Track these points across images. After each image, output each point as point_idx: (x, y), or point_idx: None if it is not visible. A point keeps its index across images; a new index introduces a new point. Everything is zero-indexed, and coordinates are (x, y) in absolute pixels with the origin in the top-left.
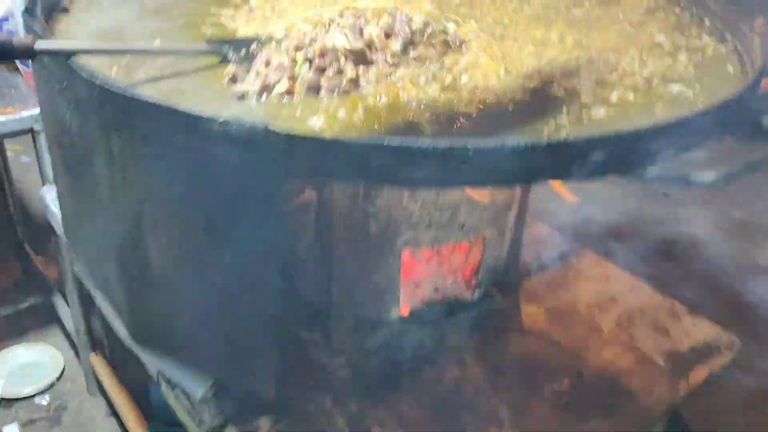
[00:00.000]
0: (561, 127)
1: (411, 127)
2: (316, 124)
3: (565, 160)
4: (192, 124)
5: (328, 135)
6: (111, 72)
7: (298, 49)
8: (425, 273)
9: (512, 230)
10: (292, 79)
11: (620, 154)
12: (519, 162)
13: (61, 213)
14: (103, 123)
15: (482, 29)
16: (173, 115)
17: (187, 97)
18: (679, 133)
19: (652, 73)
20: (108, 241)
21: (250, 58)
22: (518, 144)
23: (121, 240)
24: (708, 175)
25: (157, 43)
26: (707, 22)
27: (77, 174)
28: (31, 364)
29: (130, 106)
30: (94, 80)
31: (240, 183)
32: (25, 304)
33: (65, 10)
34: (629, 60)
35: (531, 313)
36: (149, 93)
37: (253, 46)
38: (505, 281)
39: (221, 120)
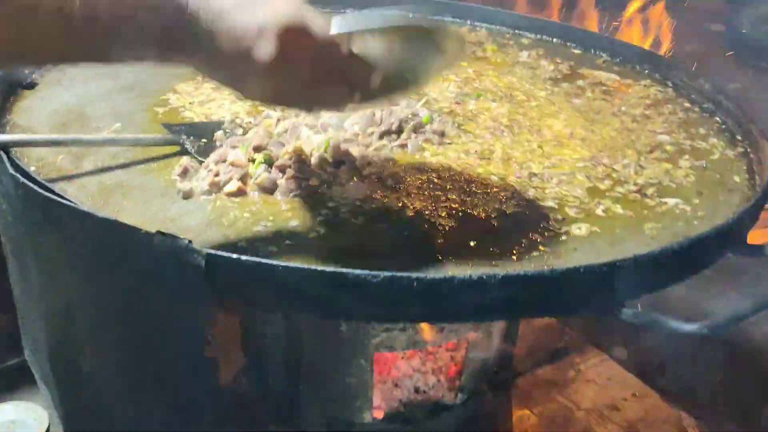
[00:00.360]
0: (534, 246)
1: (366, 244)
2: (262, 231)
3: (519, 295)
4: (112, 232)
5: (253, 258)
6: (57, 160)
7: (257, 150)
8: (404, 372)
9: (503, 327)
10: (244, 179)
11: (586, 292)
12: (467, 296)
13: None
14: (29, 219)
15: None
16: (92, 221)
17: (130, 192)
18: (660, 267)
19: (647, 180)
20: (42, 337)
21: (208, 148)
22: (464, 277)
23: (52, 340)
24: (690, 326)
25: (117, 126)
26: (718, 119)
27: (16, 262)
28: (16, 422)
29: (51, 207)
30: (17, 177)
31: (166, 295)
32: (15, 360)
33: (32, 86)
34: (625, 163)
35: (522, 418)
36: (91, 186)
37: (217, 134)
38: (496, 379)
39: (143, 231)
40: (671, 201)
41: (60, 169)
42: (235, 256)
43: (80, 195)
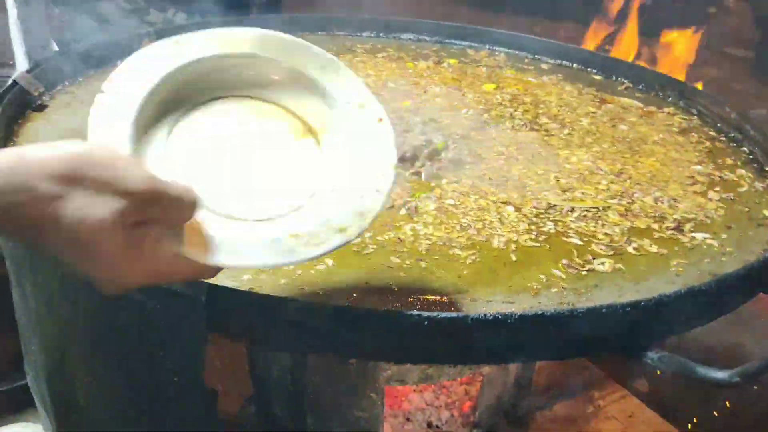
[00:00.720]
0: (553, 282)
1: (376, 277)
2: None
3: (535, 336)
4: None
5: (256, 292)
6: None
7: None
8: (416, 406)
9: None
10: None
11: (606, 333)
12: (480, 336)
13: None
14: (26, 247)
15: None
16: None
17: None
18: (686, 307)
19: (683, 215)
20: (40, 363)
21: None
22: (477, 316)
23: (49, 367)
24: (720, 374)
25: None
26: (745, 149)
27: (17, 284)
28: None
29: None
30: None
31: (164, 328)
32: (24, 381)
33: (41, 108)
34: (659, 196)
35: None
36: None
37: None
38: (512, 414)
39: None
40: (699, 235)
41: None
42: (237, 288)
43: None
